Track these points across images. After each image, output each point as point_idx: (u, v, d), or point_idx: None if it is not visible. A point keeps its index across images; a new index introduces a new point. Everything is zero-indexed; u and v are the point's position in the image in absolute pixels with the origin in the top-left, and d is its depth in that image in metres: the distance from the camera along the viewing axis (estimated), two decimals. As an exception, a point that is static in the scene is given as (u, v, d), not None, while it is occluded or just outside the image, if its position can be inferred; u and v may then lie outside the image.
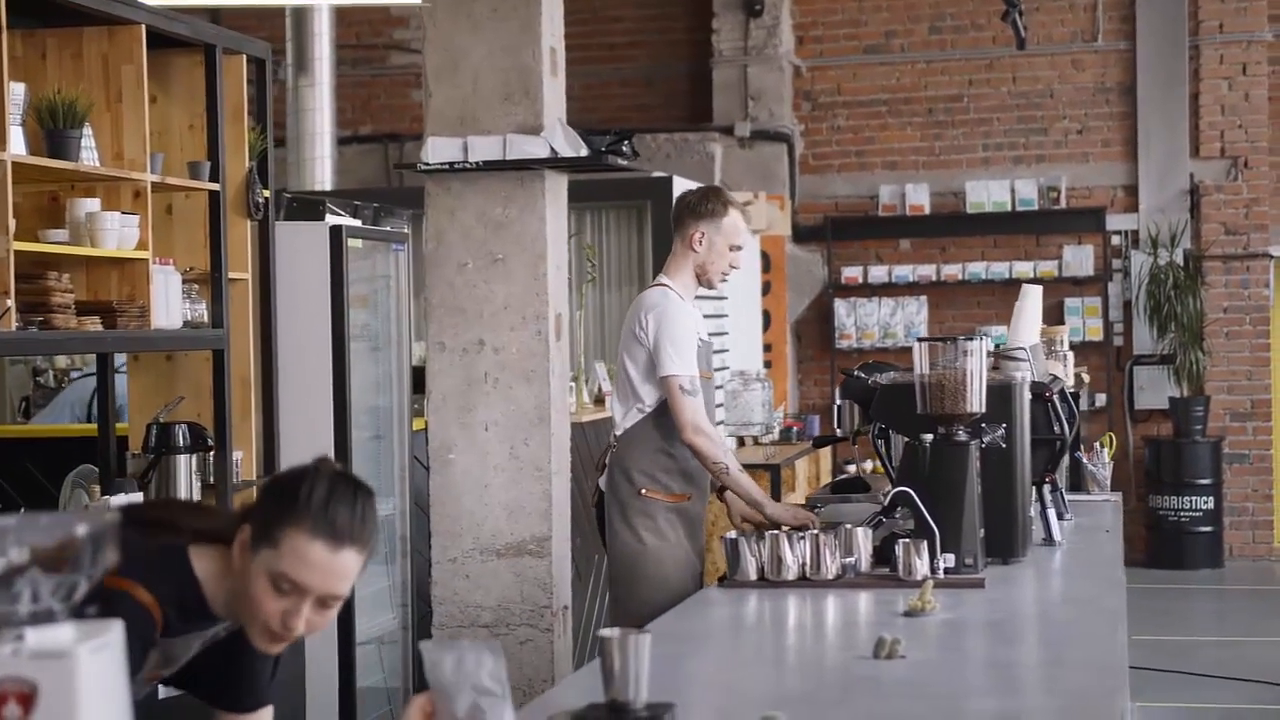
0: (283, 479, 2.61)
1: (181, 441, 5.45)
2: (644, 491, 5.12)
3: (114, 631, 1.78)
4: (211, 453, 5.57)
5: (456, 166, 5.72)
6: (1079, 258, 12.44)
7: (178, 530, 2.66)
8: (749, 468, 9.05)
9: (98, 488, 5.49)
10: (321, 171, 10.17)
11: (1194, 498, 11.99)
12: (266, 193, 5.93)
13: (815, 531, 4.25)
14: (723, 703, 2.95)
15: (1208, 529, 12.03)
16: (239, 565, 2.56)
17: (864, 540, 4.28)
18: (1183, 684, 8.40)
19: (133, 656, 2.34)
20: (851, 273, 12.76)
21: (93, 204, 5.02)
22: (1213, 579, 11.81)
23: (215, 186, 5.55)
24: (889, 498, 4.34)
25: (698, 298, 5.35)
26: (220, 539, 2.62)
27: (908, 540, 4.17)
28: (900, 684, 3.07)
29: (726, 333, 10.44)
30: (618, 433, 5.23)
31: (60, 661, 1.72)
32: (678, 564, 5.13)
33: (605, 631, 2.66)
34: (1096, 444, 6.32)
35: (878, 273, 12.71)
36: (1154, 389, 12.39)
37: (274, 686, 2.85)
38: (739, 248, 5.25)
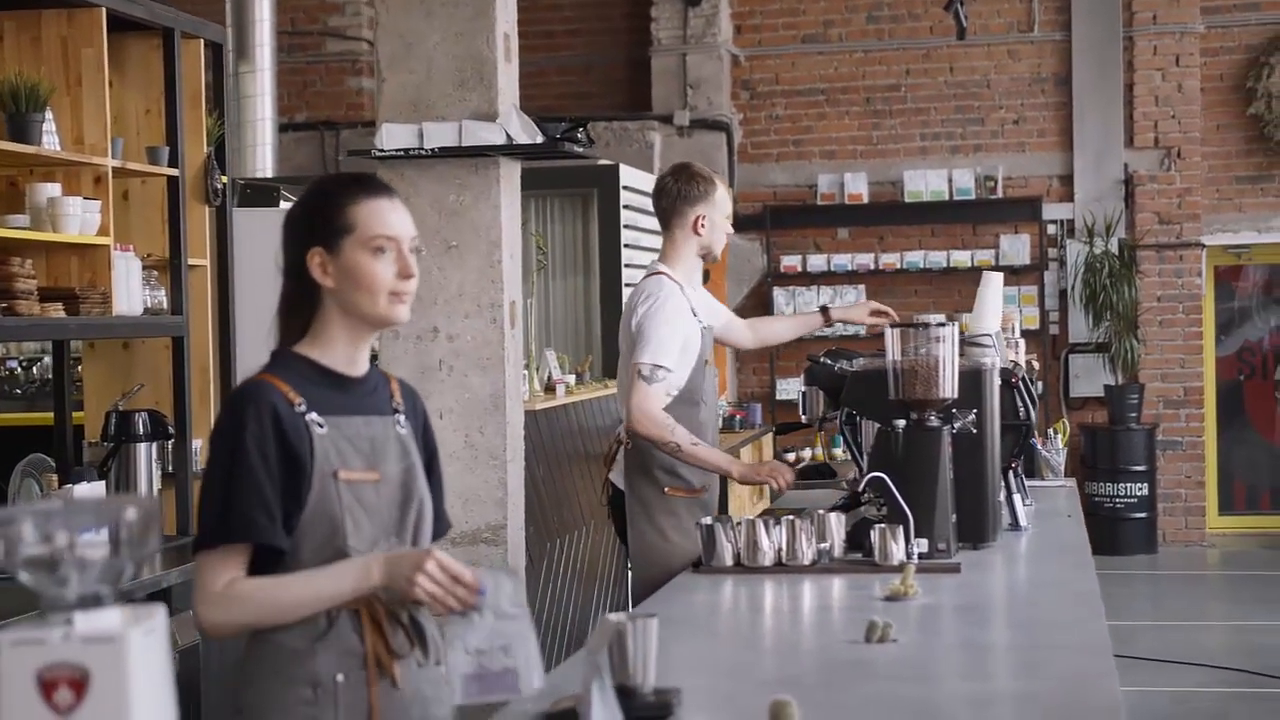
0: (305, 207, 2.83)
1: (141, 430, 5.37)
2: (668, 490, 5.05)
3: (160, 616, 1.76)
4: (171, 441, 5.51)
5: (411, 153, 5.69)
6: (1015, 247, 12.54)
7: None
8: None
9: (54, 476, 5.40)
10: (263, 159, 10.05)
11: (1129, 484, 12.12)
12: (225, 178, 5.88)
13: (791, 518, 4.26)
14: (726, 687, 2.95)
15: (1142, 515, 12.17)
16: (333, 278, 2.77)
17: (837, 526, 4.29)
18: (1121, 668, 8.47)
19: (269, 429, 2.67)
20: (790, 261, 12.80)
21: (54, 189, 4.95)
22: (1147, 564, 11.94)
23: (174, 172, 5.49)
24: (864, 483, 4.36)
25: None
26: (296, 333, 2.83)
27: (884, 526, 4.19)
28: (898, 666, 3.09)
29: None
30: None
31: (111, 645, 1.70)
32: None
33: (614, 616, 2.66)
34: (1050, 430, 6.38)
35: (816, 261, 12.74)
36: (1089, 377, 12.52)
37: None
38: (729, 215, 5.25)
